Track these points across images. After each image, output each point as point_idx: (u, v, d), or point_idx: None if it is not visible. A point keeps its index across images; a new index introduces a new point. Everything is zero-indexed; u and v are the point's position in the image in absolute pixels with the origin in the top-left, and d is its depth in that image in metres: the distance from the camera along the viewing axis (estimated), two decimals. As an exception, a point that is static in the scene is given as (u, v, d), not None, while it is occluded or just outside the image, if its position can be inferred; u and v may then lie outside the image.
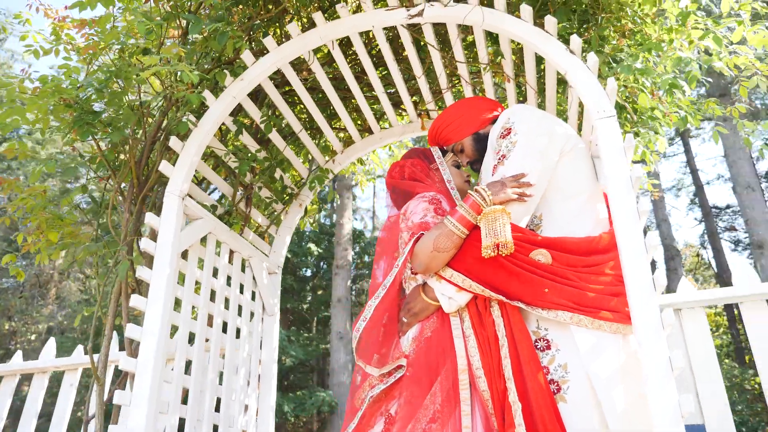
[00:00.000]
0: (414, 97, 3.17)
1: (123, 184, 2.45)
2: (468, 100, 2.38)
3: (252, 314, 2.94)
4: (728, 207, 22.53)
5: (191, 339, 2.43)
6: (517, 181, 1.82)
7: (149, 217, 2.32)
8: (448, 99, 3.04)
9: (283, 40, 2.63)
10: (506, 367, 1.66)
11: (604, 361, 1.64)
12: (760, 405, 11.53)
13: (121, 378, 2.36)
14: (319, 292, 19.34)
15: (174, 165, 2.43)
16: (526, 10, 2.21)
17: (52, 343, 3.53)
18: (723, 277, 18.35)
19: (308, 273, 19.78)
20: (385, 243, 2.19)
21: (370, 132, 3.36)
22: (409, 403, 1.70)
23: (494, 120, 2.27)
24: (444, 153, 2.33)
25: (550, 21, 2.14)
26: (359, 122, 3.31)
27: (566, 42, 2.14)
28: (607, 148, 1.89)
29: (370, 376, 1.84)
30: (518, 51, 2.72)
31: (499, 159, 1.93)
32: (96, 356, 2.27)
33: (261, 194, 3.07)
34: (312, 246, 17.96)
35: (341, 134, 3.37)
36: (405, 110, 3.26)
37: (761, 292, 2.29)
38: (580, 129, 2.53)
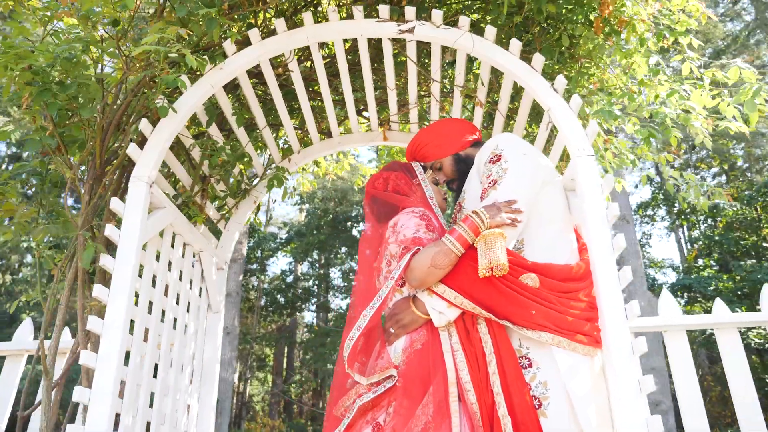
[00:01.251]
0: (378, 108, 3.22)
1: (82, 167, 2.26)
2: (449, 121, 2.48)
3: (198, 310, 2.82)
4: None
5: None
6: (509, 206, 1.94)
7: (115, 203, 2.16)
8: (413, 114, 3.13)
9: (264, 34, 2.58)
10: (495, 383, 1.77)
11: (579, 380, 1.80)
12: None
13: (63, 373, 2.16)
14: (208, 285, 18.59)
15: (142, 149, 2.29)
16: (515, 44, 2.35)
17: None
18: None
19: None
20: (366, 252, 2.22)
21: (330, 135, 3.35)
22: (399, 414, 1.75)
23: (474, 143, 2.39)
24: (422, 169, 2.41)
25: (538, 59, 2.30)
26: (323, 125, 3.29)
27: (549, 78, 2.31)
28: (586, 185, 2.08)
29: (358, 384, 1.86)
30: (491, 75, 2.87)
31: (490, 183, 2.04)
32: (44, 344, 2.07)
33: (217, 187, 2.96)
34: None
35: (299, 134, 3.33)
36: (368, 119, 3.29)
37: (682, 324, 2.60)
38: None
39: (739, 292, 13.08)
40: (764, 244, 14.93)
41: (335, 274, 23.09)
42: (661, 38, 2.24)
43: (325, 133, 3.36)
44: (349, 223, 20.78)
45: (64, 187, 2.42)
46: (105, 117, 2.27)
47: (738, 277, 13.03)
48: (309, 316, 24.47)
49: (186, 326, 2.66)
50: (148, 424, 2.30)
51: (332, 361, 20.32)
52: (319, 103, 3.14)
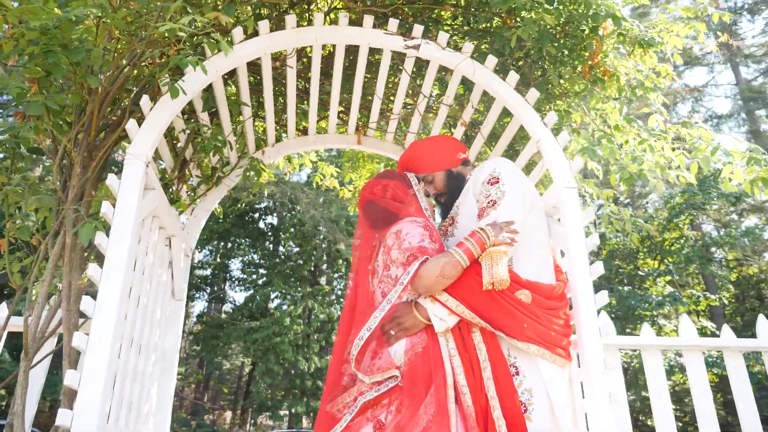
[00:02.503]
0: (358, 114, 3.30)
1: (67, 142, 2.14)
2: (444, 138, 2.63)
3: (164, 297, 2.73)
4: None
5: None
6: (508, 227, 2.11)
7: (111, 179, 2.07)
8: (392, 125, 3.25)
9: (273, 27, 2.57)
10: (490, 388, 1.92)
11: (559, 388, 2.01)
12: None
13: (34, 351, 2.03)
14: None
15: (140, 126, 2.21)
16: (513, 77, 2.54)
17: None
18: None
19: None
20: (361, 254, 2.30)
21: (305, 133, 3.37)
22: (402, 413, 1.85)
23: (464, 161, 2.55)
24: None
25: (533, 94, 2.51)
26: (303, 122, 3.31)
27: (537, 110, 2.53)
28: (569, 215, 2.31)
29: (360, 382, 1.94)
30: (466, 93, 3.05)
31: (490, 203, 2.20)
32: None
33: (193, 173, 2.89)
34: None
35: (276, 129, 3.32)
36: (346, 122, 3.35)
37: (658, 344, 2.88)
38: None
39: (613, 315, 14.49)
40: (639, 273, 16.59)
41: (235, 265, 22.49)
42: (633, 91, 2.54)
43: (301, 131, 3.38)
44: (256, 215, 20.36)
45: (39, 156, 2.27)
46: (103, 88, 2.17)
47: (614, 301, 14.39)
48: (201, 306, 23.58)
49: (153, 313, 2.58)
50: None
51: (225, 354, 19.76)
52: (304, 102, 3.16)
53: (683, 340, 2.69)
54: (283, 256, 20.28)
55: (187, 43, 2.36)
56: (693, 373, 2.69)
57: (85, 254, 2.14)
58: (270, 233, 20.64)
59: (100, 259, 2.28)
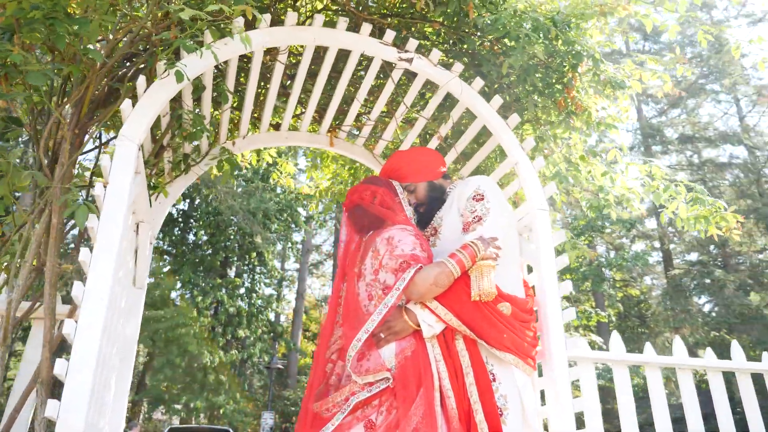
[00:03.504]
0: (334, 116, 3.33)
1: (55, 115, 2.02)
2: (425, 150, 2.73)
3: (128, 284, 2.62)
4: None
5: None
6: (494, 242, 2.26)
7: (105, 160, 1.98)
8: (366, 130, 3.31)
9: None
10: (473, 393, 2.05)
11: (529, 395, 2.18)
12: None
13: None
14: None
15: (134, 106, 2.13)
16: (497, 101, 2.70)
17: None
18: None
19: None
20: (347, 257, 2.36)
21: (277, 129, 3.36)
22: (393, 414, 1.93)
23: (444, 174, 2.67)
24: None
25: (514, 119, 2.68)
26: (276, 117, 3.29)
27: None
28: (542, 236, 2.50)
29: (352, 382, 2.00)
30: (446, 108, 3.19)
31: (475, 219, 2.33)
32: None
33: (166, 158, 2.80)
34: None
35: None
36: (319, 122, 3.38)
37: (626, 360, 3.09)
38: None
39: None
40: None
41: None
42: (598, 126, 2.79)
43: (273, 126, 3.36)
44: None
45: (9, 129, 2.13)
46: (102, 63, 2.07)
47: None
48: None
49: (120, 300, 2.47)
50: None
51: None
52: (283, 97, 3.15)
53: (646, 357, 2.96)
54: (192, 244, 19.53)
55: (189, 27, 2.30)
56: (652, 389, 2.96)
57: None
58: (180, 219, 19.80)
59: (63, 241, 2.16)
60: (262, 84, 3.09)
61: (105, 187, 1.93)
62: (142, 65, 2.22)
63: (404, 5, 2.89)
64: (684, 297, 17.77)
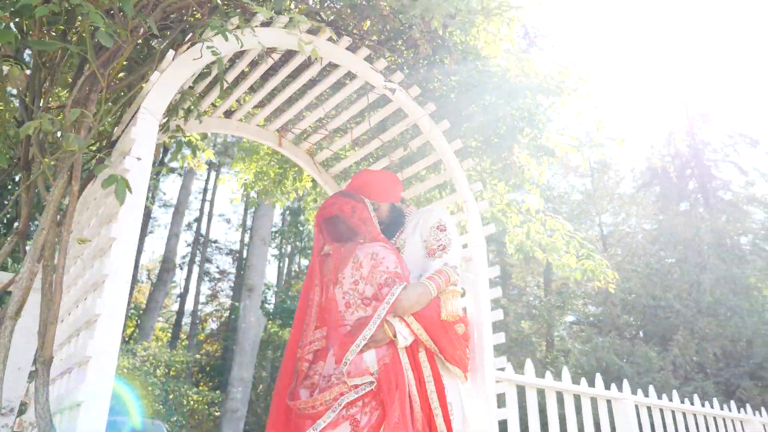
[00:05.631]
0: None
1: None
2: (390, 174, 3.00)
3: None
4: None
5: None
6: (456, 270, 2.61)
7: (136, 132, 1.89)
8: (315, 137, 3.45)
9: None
10: (434, 399, 2.36)
11: (467, 404, 2.55)
12: None
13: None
14: None
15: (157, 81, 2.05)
16: (457, 144, 3.08)
17: None
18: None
19: None
20: (321, 265, 2.53)
21: (229, 117, 3.31)
22: (374, 414, 2.15)
23: (402, 199, 2.96)
24: None
25: (468, 162, 3.08)
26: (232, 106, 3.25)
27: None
28: (480, 267, 2.93)
29: (341, 383, 2.16)
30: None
31: (440, 247, 2.66)
32: None
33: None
34: None
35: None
36: (270, 119, 3.41)
37: (534, 383, 3.56)
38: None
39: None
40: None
41: None
42: (526, 183, 3.34)
43: (226, 114, 3.31)
44: None
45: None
46: (137, 28, 1.97)
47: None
48: None
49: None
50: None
51: None
52: (248, 91, 3.14)
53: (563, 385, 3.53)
54: None
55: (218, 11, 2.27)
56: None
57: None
58: None
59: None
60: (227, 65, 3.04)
61: (138, 160, 1.85)
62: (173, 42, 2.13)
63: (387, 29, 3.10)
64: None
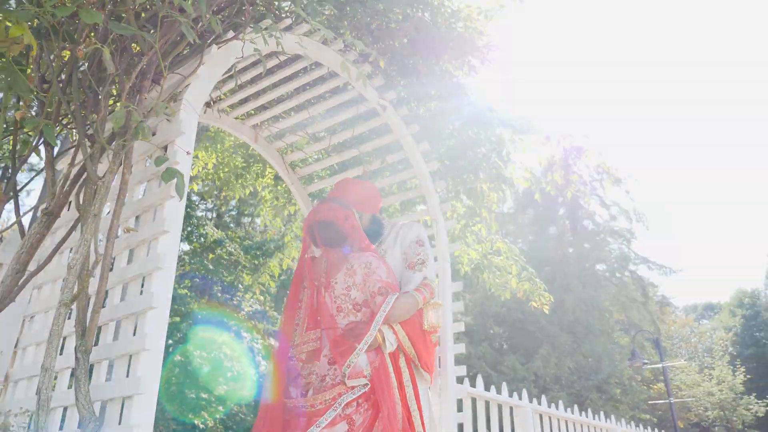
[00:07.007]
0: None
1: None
2: (372, 185, 3.15)
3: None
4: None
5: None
6: (433, 283, 2.83)
7: (183, 124, 1.89)
8: (291, 138, 3.50)
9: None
10: (412, 403, 2.55)
11: (433, 407, 2.78)
12: None
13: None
14: None
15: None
16: (434, 165, 3.30)
17: None
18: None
19: None
20: (310, 268, 2.62)
21: (210, 107, 3.26)
22: (367, 414, 2.29)
23: (381, 210, 3.14)
24: None
25: (442, 185, 3.32)
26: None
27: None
28: (445, 282, 3.18)
29: (340, 384, 2.28)
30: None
31: (419, 260, 2.87)
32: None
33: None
34: None
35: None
36: (251, 114, 3.40)
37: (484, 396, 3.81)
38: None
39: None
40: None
41: None
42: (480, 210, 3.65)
43: (207, 103, 3.25)
44: None
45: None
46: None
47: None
48: None
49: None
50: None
51: None
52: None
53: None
54: None
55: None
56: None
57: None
58: None
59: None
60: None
61: (187, 154, 1.85)
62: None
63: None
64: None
